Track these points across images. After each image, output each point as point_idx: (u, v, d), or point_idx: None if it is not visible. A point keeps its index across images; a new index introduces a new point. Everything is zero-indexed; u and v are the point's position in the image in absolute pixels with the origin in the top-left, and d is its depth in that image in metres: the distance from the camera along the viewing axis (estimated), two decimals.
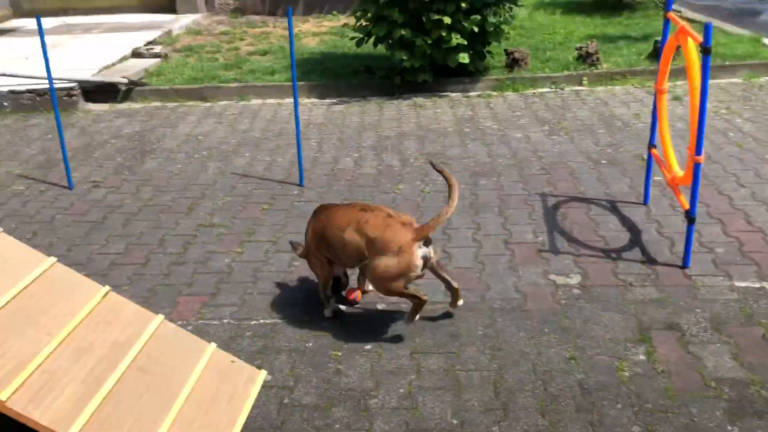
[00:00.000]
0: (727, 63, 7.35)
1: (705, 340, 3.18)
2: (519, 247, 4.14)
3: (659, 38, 7.77)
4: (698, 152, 3.54)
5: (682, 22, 3.76)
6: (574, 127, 6.17)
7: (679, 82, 7.16)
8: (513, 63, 7.62)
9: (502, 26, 7.27)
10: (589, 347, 3.18)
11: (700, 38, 3.39)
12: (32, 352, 2.48)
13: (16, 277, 2.76)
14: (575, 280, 3.75)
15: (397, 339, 3.31)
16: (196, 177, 5.47)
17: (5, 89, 7.37)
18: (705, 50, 3.36)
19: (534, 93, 7.25)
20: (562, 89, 7.30)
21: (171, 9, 11.63)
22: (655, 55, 7.63)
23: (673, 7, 10.78)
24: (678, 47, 3.83)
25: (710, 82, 7.05)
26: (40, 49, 4.88)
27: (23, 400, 2.31)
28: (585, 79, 7.38)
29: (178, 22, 10.89)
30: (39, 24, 4.85)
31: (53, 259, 2.92)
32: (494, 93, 7.33)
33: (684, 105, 6.53)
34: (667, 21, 4.11)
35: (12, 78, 7.41)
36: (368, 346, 3.27)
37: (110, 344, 2.71)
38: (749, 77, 7.20)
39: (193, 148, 6.14)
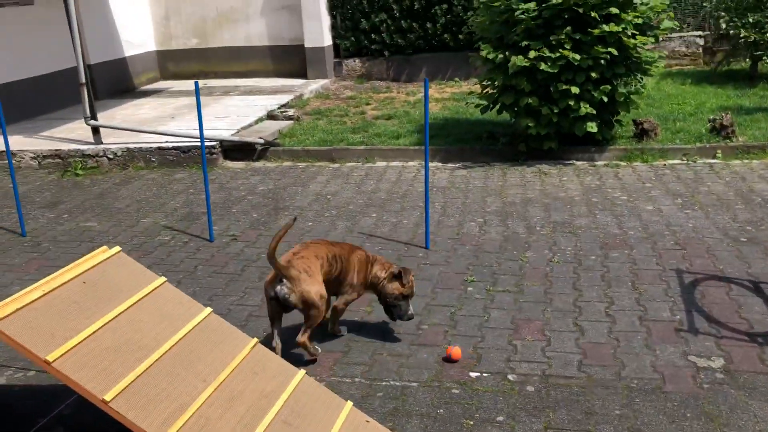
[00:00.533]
0: None
1: None
2: (655, 324, 4.00)
3: None
4: None
5: None
6: (709, 201, 5.94)
7: None
8: (642, 133, 7.48)
9: (632, 96, 7.19)
10: None
11: None
12: (191, 397, 2.65)
13: (177, 324, 2.98)
14: (718, 363, 3.57)
15: (531, 412, 3.26)
16: (325, 235, 5.69)
17: (154, 146, 8.03)
18: None
19: (664, 164, 7.07)
20: (694, 162, 7.07)
21: (302, 74, 12.34)
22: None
23: None
24: None
25: None
26: (187, 109, 5.32)
27: None
28: (719, 152, 7.13)
29: (309, 87, 11.52)
30: (197, 88, 5.31)
31: (209, 309, 3.14)
32: (622, 163, 7.21)
33: None
34: None
35: (160, 135, 8.09)
36: (500, 418, 3.24)
37: (258, 394, 2.85)
38: None
39: (322, 206, 6.41)
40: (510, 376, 3.57)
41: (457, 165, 7.58)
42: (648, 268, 4.74)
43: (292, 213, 6.26)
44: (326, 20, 12.13)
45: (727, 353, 3.66)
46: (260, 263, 5.19)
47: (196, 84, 5.33)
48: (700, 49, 11.56)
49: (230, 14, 12.62)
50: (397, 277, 3.86)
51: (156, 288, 3.15)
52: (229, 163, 8.04)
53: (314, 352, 3.74)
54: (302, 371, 3.07)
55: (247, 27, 12.61)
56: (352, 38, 12.20)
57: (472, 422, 3.22)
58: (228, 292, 4.75)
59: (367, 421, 3.03)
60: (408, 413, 3.31)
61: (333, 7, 12.16)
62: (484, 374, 3.60)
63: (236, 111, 9.72)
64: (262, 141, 8.03)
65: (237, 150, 8.10)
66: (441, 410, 3.32)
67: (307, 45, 12.12)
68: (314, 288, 3.60)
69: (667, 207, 5.88)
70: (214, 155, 7.90)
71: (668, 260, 4.85)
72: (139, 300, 3.03)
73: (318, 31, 12.01)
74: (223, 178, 7.51)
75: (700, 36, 11.55)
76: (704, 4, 11.42)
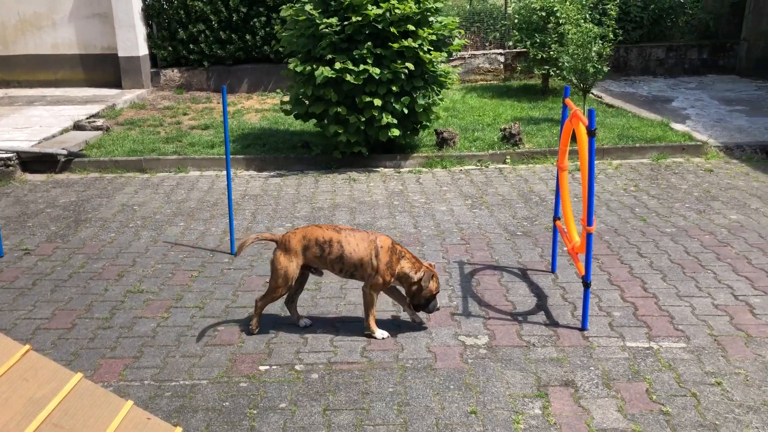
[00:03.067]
0: (637, 145, 7.97)
1: (595, 395, 3.46)
2: (436, 312, 4.39)
3: None
4: (589, 223, 3.91)
5: (575, 108, 4.21)
6: (495, 201, 6.58)
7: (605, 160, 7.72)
8: (442, 142, 8.09)
9: (432, 108, 7.75)
10: (490, 402, 3.41)
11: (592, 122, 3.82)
12: None
13: None
14: (483, 341, 4.01)
15: (312, 397, 3.48)
16: (128, 245, 5.61)
17: None
18: (590, 133, 3.79)
19: (461, 170, 7.69)
20: (487, 167, 7.77)
21: (117, 84, 11.90)
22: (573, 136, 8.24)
23: (595, 93, 11.53)
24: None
25: (622, 161, 7.76)
26: None
27: None
28: (508, 157, 7.89)
29: (123, 97, 11.14)
30: None
31: None
32: (424, 169, 7.74)
33: (598, 182, 7.03)
34: (565, 107, 4.56)
35: None
36: (283, 405, 3.43)
37: (26, 400, 2.80)
38: (657, 158, 7.81)
39: (127, 217, 6.28)
40: (297, 366, 3.77)
41: (272, 173, 7.73)
42: (435, 262, 5.16)
43: (94, 225, 6.08)
44: (141, 29, 11.81)
45: (492, 331, 4.12)
46: (54, 276, 5.01)
47: None
48: (501, 66, 12.63)
49: (34, 20, 11.89)
50: (420, 280, 3.99)
51: None
52: (29, 176, 7.60)
53: (255, 325, 4.12)
54: (78, 375, 3.05)
55: (54, 34, 11.94)
56: (170, 48, 11.97)
57: (255, 411, 3.38)
58: (15, 306, 4.55)
59: (148, 419, 3.08)
60: (194, 409, 3.40)
61: (148, 16, 11.87)
62: (273, 367, 3.78)
63: (40, 121, 9.20)
64: (65, 152, 7.69)
65: (38, 162, 7.69)
66: (227, 403, 3.45)
67: (120, 54, 11.72)
68: (283, 259, 3.97)
69: (458, 207, 6.42)
70: (10, 168, 7.43)
71: (453, 254, 5.32)
72: None
73: (132, 39, 11.65)
74: (20, 191, 7.10)
75: (501, 53, 12.63)
76: (504, 23, 12.49)
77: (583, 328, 4.10)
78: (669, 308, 4.34)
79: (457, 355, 3.87)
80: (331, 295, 4.66)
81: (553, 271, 4.94)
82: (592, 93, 10.95)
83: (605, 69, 8.79)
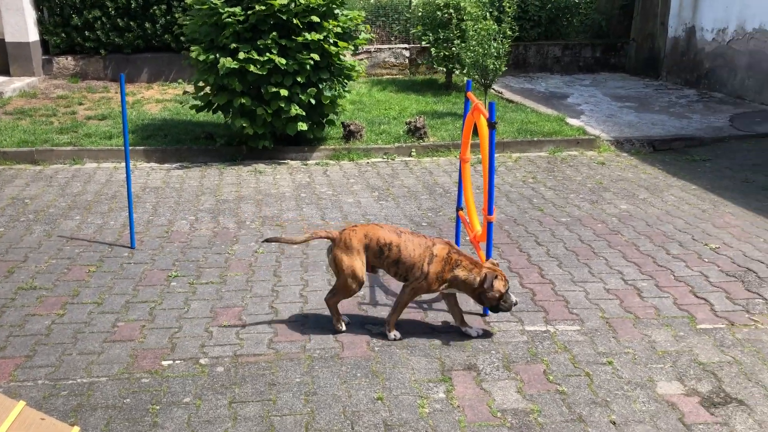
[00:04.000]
0: (535, 139, 8.30)
1: (496, 378, 3.59)
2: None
3: None
4: (490, 213, 4.05)
5: (477, 101, 4.34)
6: (401, 193, 6.68)
7: (496, 155, 7.98)
8: (349, 134, 8.12)
9: (338, 100, 7.77)
10: (396, 388, 3.48)
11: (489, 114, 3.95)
12: None
13: None
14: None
15: (218, 390, 3.43)
16: (19, 240, 5.31)
17: None
18: (490, 125, 3.92)
19: (368, 162, 7.75)
20: (393, 159, 7.87)
21: (4, 71, 11.20)
22: (474, 130, 8.48)
23: (495, 89, 11.88)
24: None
25: (521, 155, 8.05)
26: None
27: None
28: (414, 150, 8.02)
29: (11, 85, 10.50)
30: None
31: None
32: (331, 162, 7.75)
33: (498, 175, 7.28)
34: (467, 100, 4.69)
35: None
36: (187, 399, 3.36)
37: None
38: (554, 151, 8.16)
39: (18, 211, 5.95)
40: (202, 360, 3.71)
41: (174, 165, 7.52)
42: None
43: None
44: (31, 13, 11.17)
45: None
46: None
47: None
48: (407, 60, 12.80)
49: None
50: (483, 283, 3.83)
51: None
52: None
53: (337, 322, 4.01)
54: None
55: None
56: (63, 34, 11.38)
57: (158, 407, 3.30)
58: None
59: (42, 419, 2.95)
60: (93, 407, 3.28)
61: (39, 1, 11.23)
62: (177, 361, 3.69)
63: None
64: None
65: None
66: (128, 400, 3.35)
67: (7, 39, 11.03)
68: (345, 258, 3.87)
69: (365, 199, 6.48)
70: None
71: None
72: None
73: (21, 24, 11.00)
74: None
75: (406, 48, 12.79)
76: (408, 16, 12.64)
77: (484, 314, 4.24)
78: (564, 293, 4.56)
79: (364, 343, 3.91)
80: (237, 288, 4.59)
81: None
82: (494, 89, 11.29)
83: (504, 66, 9.08)
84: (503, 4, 9.36)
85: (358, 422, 3.20)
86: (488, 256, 4.15)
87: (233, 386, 3.47)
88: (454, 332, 4.05)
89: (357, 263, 3.87)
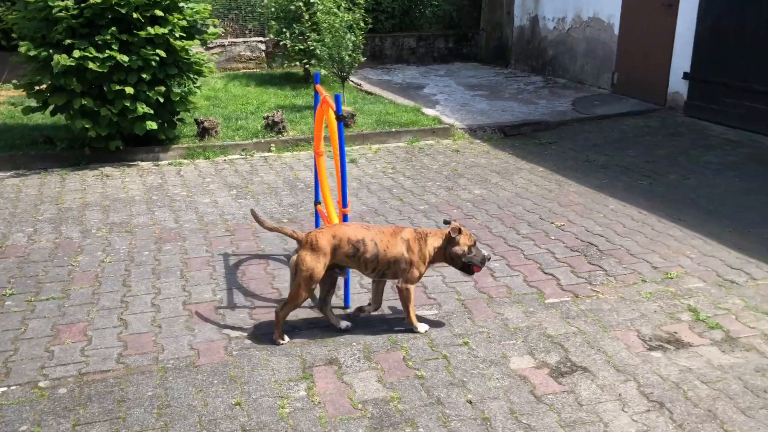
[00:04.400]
0: (393, 129, 8.42)
1: (357, 369, 3.59)
2: (198, 306, 4.25)
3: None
4: (344, 205, 4.03)
5: (325, 94, 4.30)
6: (261, 190, 6.53)
7: (355, 147, 8.02)
8: (204, 132, 7.84)
9: (189, 97, 7.47)
10: (255, 391, 3.39)
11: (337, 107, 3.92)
12: None
13: None
14: (248, 331, 3.97)
15: (60, 414, 3.18)
16: None
17: None
18: (338, 117, 3.89)
19: (225, 160, 7.52)
20: (252, 156, 7.69)
21: None
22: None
23: (354, 81, 11.90)
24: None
25: (380, 146, 8.13)
26: None
27: None
28: (273, 145, 7.88)
29: None
30: None
31: None
32: (185, 161, 7.45)
33: (358, 166, 7.31)
34: (316, 93, 4.63)
35: None
36: (24, 427, 3.10)
37: None
38: (412, 141, 8.32)
39: None
40: (42, 383, 3.43)
41: (8, 173, 6.93)
42: (198, 256, 5.01)
43: None
44: None
45: (258, 321, 4.09)
46: None
47: None
48: (263, 54, 12.56)
49: None
50: (451, 236, 3.84)
51: None
52: None
53: (280, 337, 3.81)
54: None
55: None
56: None
57: None
58: None
59: None
60: None
61: None
62: (12, 387, 3.39)
63: None
64: None
65: None
66: None
67: None
68: (309, 259, 3.70)
69: (222, 198, 6.28)
70: None
71: (217, 246, 5.19)
72: None
73: None
74: None
75: (261, 41, 12.55)
76: (260, 11, 12.40)
77: (345, 307, 4.23)
78: (424, 279, 4.63)
79: (221, 348, 3.78)
80: (81, 301, 4.29)
81: None
82: (352, 81, 11.34)
83: (360, 58, 9.13)
84: None
85: (216, 430, 3.09)
86: None
87: (78, 408, 3.23)
88: (315, 328, 4.01)
89: (318, 267, 3.70)
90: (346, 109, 8.60)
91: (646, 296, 4.41)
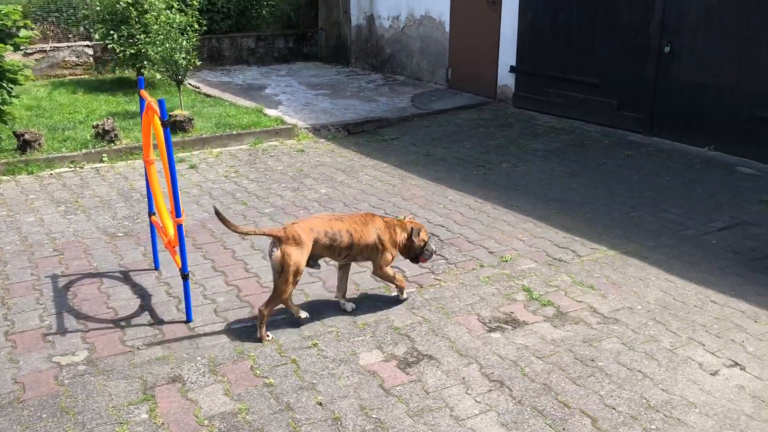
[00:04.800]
0: (235, 132, 8.22)
1: (202, 384, 3.46)
2: (22, 335, 3.91)
3: (174, 112, 8.33)
4: (177, 215, 3.87)
5: (150, 99, 4.10)
6: (92, 204, 6.13)
7: (195, 152, 7.75)
8: (25, 145, 7.22)
9: (4, 107, 6.85)
10: (90, 421, 3.17)
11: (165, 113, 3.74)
12: None
13: None
14: (81, 356, 3.70)
15: None
16: None
17: None
18: (163, 123, 3.72)
19: (51, 174, 6.98)
20: (82, 168, 7.19)
21: None
22: (172, 129, 8.13)
23: (192, 84, 11.49)
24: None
25: (222, 149, 7.91)
26: None
27: None
28: (105, 155, 7.42)
29: None
30: None
31: None
32: (5, 178, 6.82)
33: (199, 172, 7.07)
34: (142, 99, 4.40)
35: None
36: None
37: None
38: (254, 143, 8.17)
39: None
40: None
41: None
42: (22, 281, 4.60)
43: None
44: None
45: (92, 344, 3.83)
46: None
47: None
48: (91, 59, 11.80)
49: None
50: (412, 233, 4.21)
51: None
52: None
53: (265, 335, 3.86)
54: None
55: None
56: None
57: None
58: None
59: None
60: None
61: None
62: None
63: None
64: None
65: None
66: None
67: None
68: (294, 253, 3.75)
69: (49, 216, 5.82)
70: None
71: (45, 268, 4.80)
72: None
73: None
74: None
75: (89, 46, 11.77)
76: (85, 12, 11.63)
77: (188, 321, 4.07)
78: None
79: (51, 378, 3.49)
80: None
81: (156, 268, 4.80)
82: (190, 84, 10.96)
83: (196, 60, 8.83)
84: None
85: None
86: (183, 259, 3.98)
87: None
88: (156, 345, 3.82)
89: (303, 260, 3.82)
90: (183, 113, 8.29)
91: (485, 280, 4.63)
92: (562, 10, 8.86)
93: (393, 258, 4.18)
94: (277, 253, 3.75)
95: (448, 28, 10.75)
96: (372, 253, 4.09)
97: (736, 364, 3.67)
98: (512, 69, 9.68)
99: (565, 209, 5.98)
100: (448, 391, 3.43)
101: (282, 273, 3.76)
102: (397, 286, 4.29)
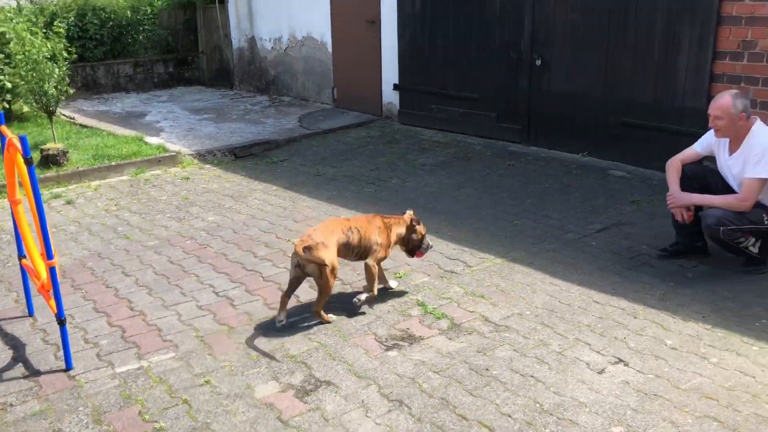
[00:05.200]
0: (114, 163, 7.86)
1: None
2: None
3: (47, 145, 7.87)
4: (49, 257, 3.62)
5: (10, 136, 3.83)
6: None
7: (71, 186, 7.35)
8: None
9: None
10: None
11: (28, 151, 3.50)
12: None
13: None
14: None
15: None
16: None
17: None
18: (27, 161, 3.49)
19: None
20: None
21: None
22: (45, 163, 7.67)
23: (66, 114, 10.96)
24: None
25: (101, 182, 7.54)
26: None
27: None
28: None
29: None
30: None
31: None
32: None
33: (76, 207, 6.69)
34: (2, 136, 4.11)
35: None
36: None
37: None
38: (136, 173, 7.84)
39: None
40: None
41: None
42: None
43: None
44: None
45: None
46: None
47: None
48: None
49: None
50: (412, 226, 4.60)
51: None
52: None
53: (328, 318, 4.29)
54: None
55: None
56: None
57: None
58: None
59: None
60: None
61: None
62: None
63: None
64: None
65: None
66: None
67: None
68: (326, 254, 4.10)
69: None
70: None
71: None
72: None
73: None
74: None
75: None
76: None
77: (67, 369, 3.81)
78: (157, 321, 4.37)
79: None
80: None
81: (30, 314, 4.48)
82: (64, 114, 10.42)
83: (69, 89, 8.40)
84: (53, 25, 8.59)
85: None
86: (58, 304, 3.73)
87: None
88: (32, 399, 3.53)
89: (336, 257, 4.21)
90: (56, 146, 7.85)
91: (380, 298, 4.63)
92: (438, 29, 9.11)
93: (384, 258, 4.52)
94: (308, 257, 4.07)
95: (330, 49, 10.81)
96: (371, 249, 4.46)
97: (620, 360, 3.85)
98: (396, 87, 9.84)
99: (453, 221, 6.11)
100: (347, 417, 3.39)
101: (321, 275, 4.14)
102: (368, 289, 4.51)
